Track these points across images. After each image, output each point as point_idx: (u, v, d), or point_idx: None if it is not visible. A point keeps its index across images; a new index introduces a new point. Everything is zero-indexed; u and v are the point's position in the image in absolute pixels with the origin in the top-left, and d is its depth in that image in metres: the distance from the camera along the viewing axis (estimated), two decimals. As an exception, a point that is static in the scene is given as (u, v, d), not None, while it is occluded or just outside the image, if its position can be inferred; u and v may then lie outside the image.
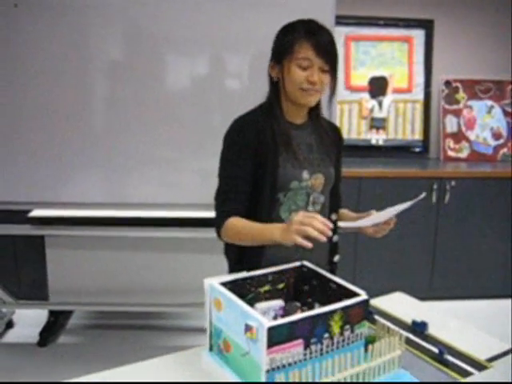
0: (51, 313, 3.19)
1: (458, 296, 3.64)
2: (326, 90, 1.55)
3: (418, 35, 3.94)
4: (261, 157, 1.51)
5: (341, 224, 1.64)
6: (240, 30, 2.59)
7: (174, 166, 2.73)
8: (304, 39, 1.47)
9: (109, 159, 2.73)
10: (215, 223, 1.54)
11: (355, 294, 1.28)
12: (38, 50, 2.58)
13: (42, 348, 2.96)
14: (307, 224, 1.28)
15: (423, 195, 1.54)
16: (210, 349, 1.36)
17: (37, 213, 2.91)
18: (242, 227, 1.49)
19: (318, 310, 1.18)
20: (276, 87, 1.57)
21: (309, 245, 1.29)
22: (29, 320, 3.19)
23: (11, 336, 3.10)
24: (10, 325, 3.17)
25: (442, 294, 3.62)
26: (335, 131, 1.73)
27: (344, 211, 1.78)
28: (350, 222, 1.64)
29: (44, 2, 2.54)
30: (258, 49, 2.56)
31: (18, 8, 2.53)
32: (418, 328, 1.53)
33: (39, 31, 2.56)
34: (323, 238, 1.28)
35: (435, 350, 1.40)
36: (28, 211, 2.90)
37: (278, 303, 1.42)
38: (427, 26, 3.94)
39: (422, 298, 3.27)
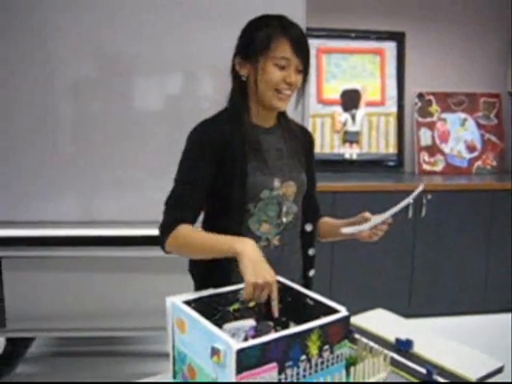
0: (8, 340, 2.97)
1: (438, 313, 3.54)
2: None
3: (390, 47, 3.89)
4: (227, 164, 1.38)
5: (344, 230, 1.49)
6: (209, 46, 2.51)
7: (142, 184, 2.62)
8: (281, 36, 1.36)
9: (71, 177, 2.60)
10: (161, 229, 1.39)
11: (334, 311, 1.15)
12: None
13: (-3, 379, 2.76)
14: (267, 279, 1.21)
15: (421, 188, 1.40)
16: (174, 376, 1.22)
17: (-8, 233, 2.73)
18: (194, 236, 1.35)
19: (294, 329, 1.05)
20: (243, 86, 1.44)
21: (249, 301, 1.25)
22: (-16, 349, 2.98)
23: (-36, 366, 2.88)
24: (-37, 354, 2.96)
25: (420, 311, 3.50)
26: (305, 134, 1.61)
27: (327, 219, 1.65)
28: (351, 226, 1.50)
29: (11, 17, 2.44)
30: (228, 64, 2.49)
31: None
32: (403, 346, 1.40)
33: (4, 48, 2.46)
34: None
35: (422, 370, 1.28)
36: (-18, 231, 2.72)
37: (249, 323, 1.28)
38: (398, 38, 3.90)
39: (402, 314, 3.16)
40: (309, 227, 1.56)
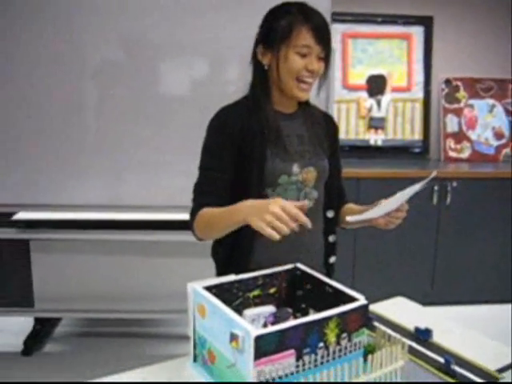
0: (37, 320, 3.06)
1: (460, 301, 3.53)
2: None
3: (417, 32, 3.83)
4: (246, 150, 1.39)
5: (348, 218, 1.47)
6: (235, 32, 2.52)
7: (167, 169, 2.65)
8: (302, 24, 1.35)
9: (99, 161, 2.65)
10: (189, 220, 1.42)
11: (353, 299, 1.16)
12: (31, 50, 2.51)
13: (26, 357, 2.83)
14: (283, 220, 1.14)
15: (434, 174, 1.37)
16: (194, 359, 1.24)
17: (21, 215, 2.80)
18: (211, 214, 1.36)
19: (312, 316, 1.06)
20: (265, 74, 1.44)
21: (276, 237, 1.15)
22: (13, 328, 3.07)
23: (-5, 344, 2.98)
24: (-7, 333, 3.05)
25: (443, 299, 3.50)
26: (328, 120, 1.61)
27: (351, 205, 1.64)
28: (356, 215, 1.46)
29: (34, 6, 2.47)
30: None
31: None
32: (422, 336, 1.40)
33: (29, 37, 2.49)
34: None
35: (441, 359, 1.28)
36: (12, 214, 2.78)
37: (269, 309, 1.30)
38: (426, 22, 3.83)
39: (423, 302, 3.15)
40: (330, 213, 1.56)
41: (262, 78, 1.44)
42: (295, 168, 1.42)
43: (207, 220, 1.37)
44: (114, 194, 2.68)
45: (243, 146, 1.40)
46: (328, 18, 2.51)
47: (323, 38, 1.37)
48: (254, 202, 1.24)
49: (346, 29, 3.75)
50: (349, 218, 1.44)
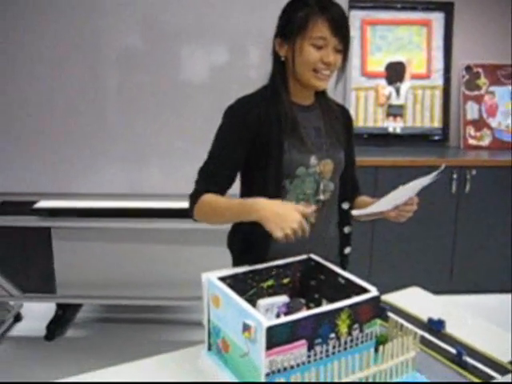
0: (59, 306, 3.13)
1: (479, 290, 3.51)
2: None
3: (438, 18, 3.77)
4: (264, 142, 1.40)
5: (353, 212, 1.49)
6: (255, 18, 2.51)
7: (186, 157, 2.62)
8: (318, 16, 1.34)
9: (118, 149, 2.67)
10: (189, 198, 1.44)
11: (365, 290, 1.17)
12: (48, 38, 2.52)
13: (49, 342, 2.91)
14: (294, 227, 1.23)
15: (443, 167, 1.38)
16: (209, 348, 1.27)
17: (43, 204, 2.85)
18: (218, 202, 1.38)
19: (323, 307, 1.08)
20: (283, 66, 1.45)
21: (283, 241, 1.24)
22: (36, 313, 3.14)
23: (19, 329, 3.05)
24: (17, 318, 3.12)
25: (461, 288, 3.48)
26: (345, 113, 1.61)
27: (363, 198, 1.64)
28: (362, 209, 1.48)
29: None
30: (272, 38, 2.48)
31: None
32: (435, 326, 1.41)
33: (47, 19, 2.50)
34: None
35: (453, 350, 1.29)
36: (34, 202, 2.84)
37: (283, 299, 1.32)
38: (447, 8, 3.77)
39: (442, 291, 3.14)
40: (346, 205, 1.57)
41: (280, 70, 1.45)
42: (313, 160, 1.43)
43: (213, 207, 1.39)
44: (135, 182, 2.71)
45: (260, 137, 1.41)
46: (345, 5, 2.50)
47: (340, 30, 1.36)
48: (273, 205, 1.27)
49: (365, 15, 3.72)
50: (354, 212, 1.47)
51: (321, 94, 1.52)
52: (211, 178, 1.43)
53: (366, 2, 3.70)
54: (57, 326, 3.01)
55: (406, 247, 3.41)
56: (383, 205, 1.43)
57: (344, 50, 1.41)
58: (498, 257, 3.52)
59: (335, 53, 1.39)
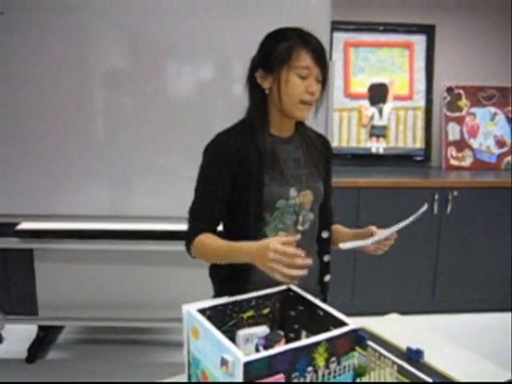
0: (40, 328, 3.10)
1: (461, 309, 3.54)
2: None
3: (419, 41, 3.84)
4: (244, 176, 1.42)
5: (341, 245, 1.52)
6: (239, 36, 2.53)
7: (170, 179, 2.66)
8: (301, 47, 1.39)
9: (102, 171, 2.67)
10: (186, 240, 1.47)
11: (343, 323, 1.18)
12: (35, 56, 2.52)
13: (30, 364, 2.87)
14: (284, 263, 1.21)
15: (425, 207, 1.42)
16: (189, 378, 1.27)
17: (25, 226, 2.83)
18: (211, 245, 1.41)
19: (300, 342, 1.09)
20: (264, 98, 1.47)
21: (288, 281, 1.26)
22: (18, 335, 3.10)
23: (-1, 351, 3.03)
24: (-2, 340, 3.09)
25: (444, 308, 3.51)
26: (323, 142, 1.63)
27: (338, 227, 1.67)
28: (350, 241, 1.52)
29: (39, 8, 2.48)
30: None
31: (4, 16, 2.47)
32: (414, 356, 1.43)
33: (33, 39, 2.51)
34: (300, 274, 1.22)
35: (430, 380, 1.30)
36: (16, 224, 2.82)
37: (263, 330, 1.32)
38: (428, 31, 3.84)
39: (424, 311, 3.17)
40: (325, 234, 1.59)
41: (260, 102, 1.47)
42: (292, 192, 1.45)
43: (208, 250, 1.43)
44: (118, 204, 2.71)
45: (241, 172, 1.43)
46: (328, 26, 2.55)
47: (321, 60, 1.41)
48: (257, 246, 1.29)
49: (348, 37, 3.77)
50: (342, 246, 1.49)
51: (300, 125, 1.54)
52: (201, 218, 1.46)
53: (349, 25, 3.75)
54: (38, 348, 2.98)
55: (389, 268, 3.43)
56: (371, 239, 1.48)
57: (323, 80, 1.44)
58: (479, 277, 3.56)
59: (317, 83, 1.42)
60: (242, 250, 1.33)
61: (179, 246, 2.71)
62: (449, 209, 3.41)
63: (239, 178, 1.42)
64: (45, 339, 3.06)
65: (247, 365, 1.01)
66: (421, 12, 3.82)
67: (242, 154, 1.42)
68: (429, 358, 1.42)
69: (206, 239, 1.42)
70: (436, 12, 3.84)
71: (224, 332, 1.13)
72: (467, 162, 3.89)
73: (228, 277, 1.49)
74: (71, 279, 2.88)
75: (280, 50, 1.40)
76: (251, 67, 1.48)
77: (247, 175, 1.42)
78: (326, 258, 1.60)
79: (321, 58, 1.41)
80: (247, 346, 1.27)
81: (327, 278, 1.62)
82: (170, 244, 2.70)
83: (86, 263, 2.87)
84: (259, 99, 1.47)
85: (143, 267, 2.87)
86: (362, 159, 3.82)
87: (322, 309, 1.26)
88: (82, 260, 2.86)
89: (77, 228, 2.79)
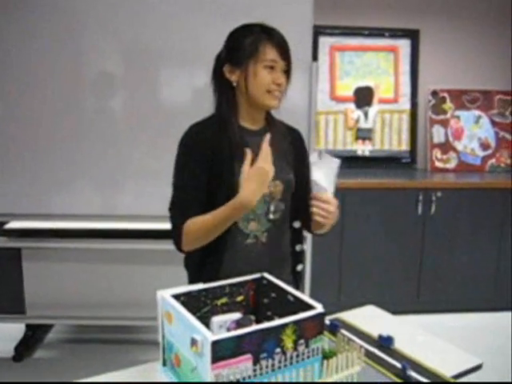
0: (28, 327, 3.12)
1: (445, 309, 3.58)
2: None
3: (404, 45, 3.91)
4: (216, 166, 1.47)
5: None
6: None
7: (163, 178, 2.67)
8: (267, 41, 1.46)
9: (91, 170, 2.70)
10: (173, 236, 1.48)
11: (312, 307, 1.22)
12: (28, 59, 2.56)
13: (17, 363, 2.89)
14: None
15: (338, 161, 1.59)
16: (164, 363, 1.31)
17: (13, 225, 2.86)
18: (203, 223, 1.42)
19: (268, 323, 1.13)
20: (232, 91, 1.52)
21: None
22: (5, 334, 3.12)
23: (-14, 351, 3.04)
24: (-15, 339, 3.11)
25: (428, 308, 3.55)
26: (293, 132, 1.67)
27: None
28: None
29: (31, 12, 2.53)
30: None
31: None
32: (384, 342, 1.47)
33: (26, 43, 2.55)
34: None
35: (399, 365, 1.34)
36: (4, 223, 2.85)
37: (236, 316, 1.36)
38: (413, 35, 3.91)
39: (409, 311, 3.21)
40: (297, 224, 1.63)
41: (229, 96, 1.52)
42: None
43: (203, 228, 1.42)
44: (106, 204, 2.74)
45: (214, 163, 1.47)
46: (310, 30, 2.60)
47: (286, 52, 1.48)
48: (247, 189, 1.35)
49: (334, 42, 3.83)
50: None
51: (270, 118, 1.59)
52: (184, 208, 1.47)
53: (334, 29, 3.81)
54: (25, 346, 3.00)
55: (373, 268, 3.47)
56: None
57: (288, 71, 1.50)
58: (463, 277, 3.60)
59: (283, 74, 1.48)
60: (230, 205, 1.37)
61: (167, 245, 2.75)
62: (433, 209, 3.46)
63: (213, 167, 1.47)
64: (32, 338, 3.08)
65: (215, 344, 1.05)
66: (405, 17, 3.89)
67: (215, 144, 1.47)
68: (400, 346, 1.46)
69: (194, 221, 1.43)
70: (420, 17, 3.91)
71: (199, 318, 1.16)
72: (452, 164, 3.95)
73: (201, 266, 1.53)
74: (59, 278, 2.90)
75: (247, 44, 1.46)
76: (218, 62, 1.53)
77: (219, 166, 1.46)
78: (298, 248, 1.64)
79: (285, 50, 1.48)
80: (221, 331, 1.31)
81: (300, 267, 1.66)
82: (157, 243, 2.74)
83: (73, 262, 2.89)
84: (228, 93, 1.52)
85: (131, 266, 2.89)
86: (348, 161, 3.86)
87: (292, 294, 1.30)
88: (69, 259, 2.88)
89: (65, 227, 2.83)
